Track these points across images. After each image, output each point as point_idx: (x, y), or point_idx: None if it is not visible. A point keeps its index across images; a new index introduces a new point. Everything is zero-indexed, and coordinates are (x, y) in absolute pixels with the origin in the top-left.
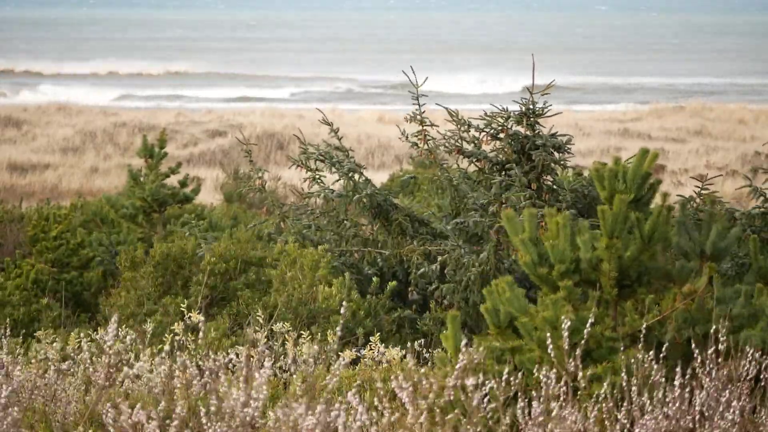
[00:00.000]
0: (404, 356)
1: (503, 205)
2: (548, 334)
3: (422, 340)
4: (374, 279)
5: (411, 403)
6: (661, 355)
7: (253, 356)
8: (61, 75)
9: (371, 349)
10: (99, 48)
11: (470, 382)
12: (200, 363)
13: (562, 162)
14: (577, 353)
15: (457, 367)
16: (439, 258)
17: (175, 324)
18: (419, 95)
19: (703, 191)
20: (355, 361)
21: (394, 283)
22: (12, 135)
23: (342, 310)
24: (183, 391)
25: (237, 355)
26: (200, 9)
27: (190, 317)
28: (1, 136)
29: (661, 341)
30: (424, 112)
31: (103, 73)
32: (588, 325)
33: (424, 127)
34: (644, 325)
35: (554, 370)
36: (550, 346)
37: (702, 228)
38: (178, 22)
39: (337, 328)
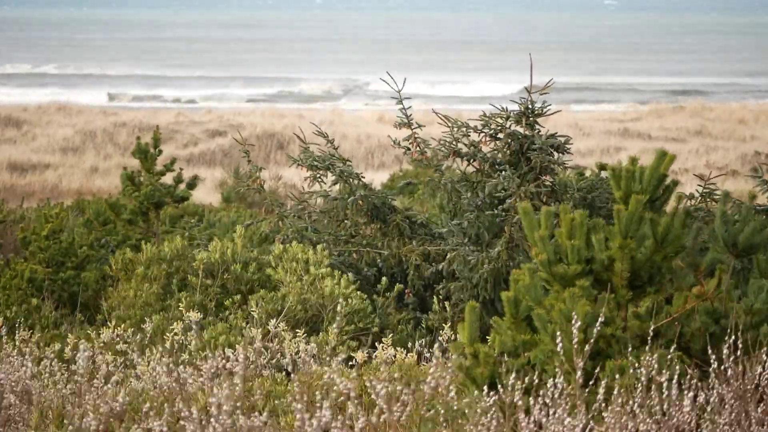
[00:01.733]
0: (418, 359)
1: (525, 195)
2: (558, 331)
3: (423, 339)
4: (383, 279)
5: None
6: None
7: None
8: (58, 75)
9: (383, 350)
10: (94, 48)
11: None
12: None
13: (560, 163)
14: (586, 349)
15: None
16: (449, 255)
17: (175, 323)
18: (402, 98)
19: (705, 190)
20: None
21: (401, 286)
22: (12, 135)
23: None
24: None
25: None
26: (197, 9)
27: (189, 317)
28: (1, 136)
29: (682, 333)
30: (411, 115)
31: (98, 74)
32: (599, 324)
33: (413, 130)
34: (654, 326)
35: (564, 367)
36: (560, 342)
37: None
38: (177, 23)
39: (337, 320)
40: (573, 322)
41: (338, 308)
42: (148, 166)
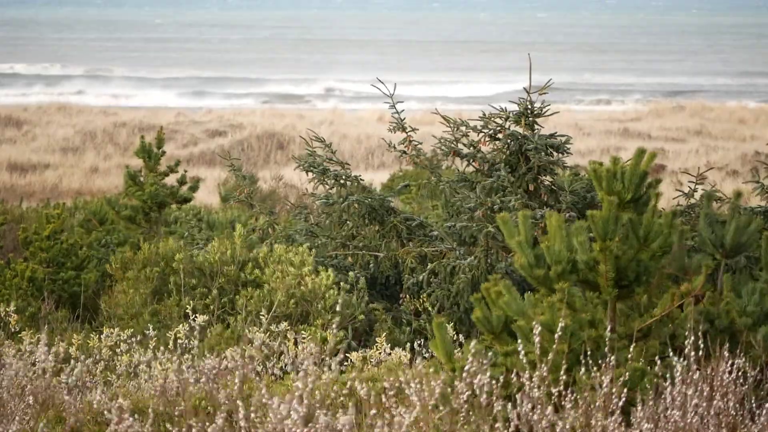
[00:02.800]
0: (413, 357)
1: (492, 209)
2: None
3: (419, 340)
4: (350, 273)
5: (420, 402)
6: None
7: (255, 356)
8: (56, 76)
9: (377, 350)
10: (94, 48)
11: (477, 380)
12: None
13: (560, 163)
14: (565, 355)
15: (466, 368)
16: (429, 265)
17: (179, 326)
18: (396, 102)
19: (698, 185)
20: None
21: (364, 280)
22: (12, 135)
23: (339, 300)
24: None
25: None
26: (196, 10)
27: (195, 318)
28: (1, 136)
29: (674, 335)
30: (404, 119)
31: (99, 74)
32: (581, 328)
33: (408, 134)
34: (640, 326)
35: (545, 373)
36: (538, 349)
37: (719, 223)
38: (177, 23)
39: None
40: (558, 331)
41: (333, 297)
42: (151, 166)
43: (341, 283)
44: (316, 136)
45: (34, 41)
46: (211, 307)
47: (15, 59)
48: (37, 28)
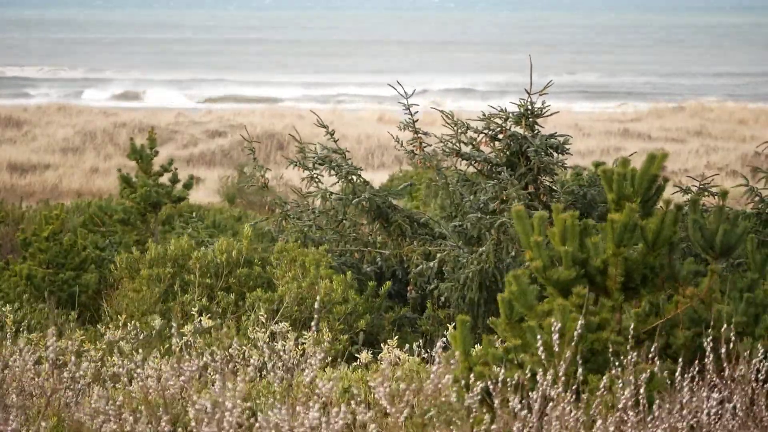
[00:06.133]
0: (417, 357)
1: (503, 204)
2: (555, 339)
3: (421, 340)
4: (370, 284)
5: (416, 403)
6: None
7: (253, 356)
8: (56, 79)
9: (388, 352)
10: (93, 49)
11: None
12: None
13: (560, 163)
14: (577, 359)
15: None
16: (438, 255)
17: (185, 326)
18: (410, 105)
19: (702, 190)
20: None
21: (389, 283)
22: (12, 135)
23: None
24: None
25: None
26: (195, 10)
27: (200, 321)
28: (1, 136)
29: (669, 343)
30: (417, 120)
31: (99, 75)
32: (592, 329)
33: (418, 135)
34: (645, 329)
35: (558, 373)
36: (556, 349)
37: (710, 224)
38: (173, 24)
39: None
40: (574, 335)
41: (341, 308)
42: (144, 167)
43: (343, 286)
44: (320, 122)
45: (34, 41)
46: (214, 309)
47: (15, 60)
48: (37, 29)
